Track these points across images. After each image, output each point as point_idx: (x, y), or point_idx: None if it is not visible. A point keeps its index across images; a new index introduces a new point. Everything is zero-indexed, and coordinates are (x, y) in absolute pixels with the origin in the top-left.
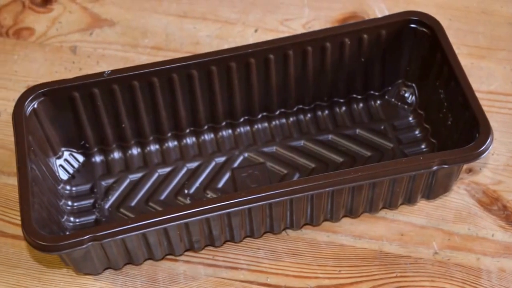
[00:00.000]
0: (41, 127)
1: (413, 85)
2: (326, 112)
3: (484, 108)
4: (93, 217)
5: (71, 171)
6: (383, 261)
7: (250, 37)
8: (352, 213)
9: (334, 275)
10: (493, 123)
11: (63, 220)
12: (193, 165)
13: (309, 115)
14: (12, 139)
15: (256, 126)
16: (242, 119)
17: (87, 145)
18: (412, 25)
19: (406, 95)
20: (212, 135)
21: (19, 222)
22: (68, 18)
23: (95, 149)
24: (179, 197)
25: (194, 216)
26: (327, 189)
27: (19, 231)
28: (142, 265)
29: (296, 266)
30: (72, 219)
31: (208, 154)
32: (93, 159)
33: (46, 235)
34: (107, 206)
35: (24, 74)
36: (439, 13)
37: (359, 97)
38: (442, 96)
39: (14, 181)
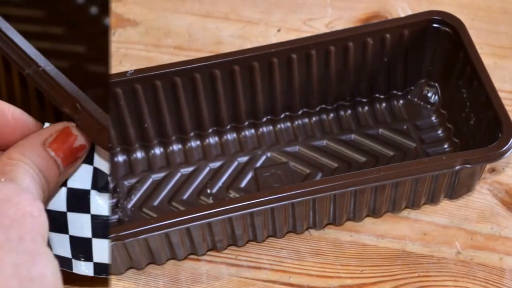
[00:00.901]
0: None
1: (436, 84)
2: (349, 111)
3: (507, 108)
4: (116, 216)
5: None
6: (406, 260)
7: (272, 37)
8: (374, 213)
9: (357, 274)
10: None
11: None
12: (215, 164)
13: (331, 115)
14: None
15: (278, 126)
16: (264, 119)
17: (110, 145)
18: (435, 25)
19: (429, 94)
20: (234, 135)
21: None
22: None
23: (118, 149)
24: (202, 197)
25: (217, 216)
26: (350, 188)
27: None
28: (165, 265)
29: (319, 266)
30: None
31: (231, 154)
32: (115, 159)
33: None
34: (129, 205)
35: None
36: (462, 13)
37: (381, 96)
38: (464, 96)
39: None
